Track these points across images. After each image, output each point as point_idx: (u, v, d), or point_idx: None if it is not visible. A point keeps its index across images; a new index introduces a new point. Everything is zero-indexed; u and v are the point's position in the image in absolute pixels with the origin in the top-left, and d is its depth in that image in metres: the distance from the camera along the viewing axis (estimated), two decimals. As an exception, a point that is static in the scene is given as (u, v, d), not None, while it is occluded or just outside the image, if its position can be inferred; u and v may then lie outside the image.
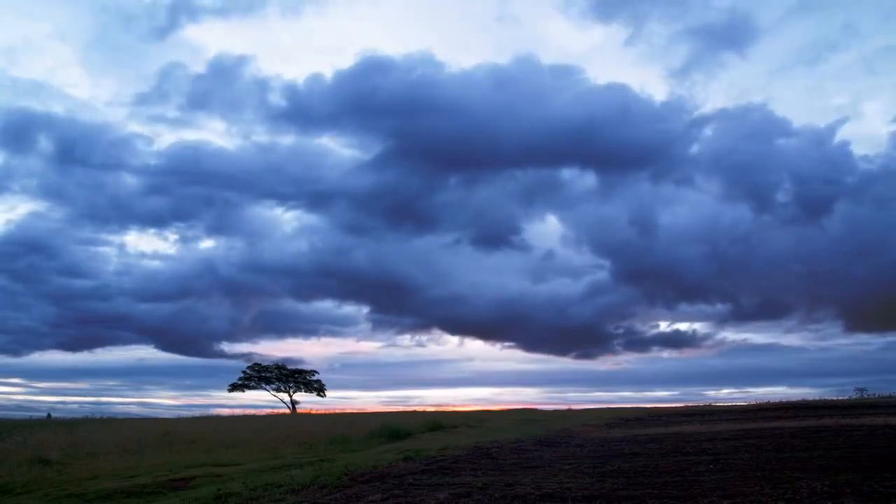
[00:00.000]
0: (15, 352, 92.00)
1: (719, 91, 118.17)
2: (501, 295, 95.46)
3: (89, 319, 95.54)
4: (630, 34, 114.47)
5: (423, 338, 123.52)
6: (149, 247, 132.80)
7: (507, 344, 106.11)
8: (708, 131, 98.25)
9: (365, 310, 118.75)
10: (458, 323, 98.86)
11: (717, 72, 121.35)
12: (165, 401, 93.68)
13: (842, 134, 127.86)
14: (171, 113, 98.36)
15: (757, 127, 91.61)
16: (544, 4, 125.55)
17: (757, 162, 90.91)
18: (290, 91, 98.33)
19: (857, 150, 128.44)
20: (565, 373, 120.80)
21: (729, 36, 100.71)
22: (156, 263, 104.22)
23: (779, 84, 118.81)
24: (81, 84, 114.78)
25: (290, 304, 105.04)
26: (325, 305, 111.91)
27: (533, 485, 9.31)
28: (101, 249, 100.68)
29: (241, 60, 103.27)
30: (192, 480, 11.85)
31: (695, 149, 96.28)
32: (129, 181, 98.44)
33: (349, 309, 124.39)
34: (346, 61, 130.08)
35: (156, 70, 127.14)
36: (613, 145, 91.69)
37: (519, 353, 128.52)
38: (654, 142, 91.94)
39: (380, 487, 9.66)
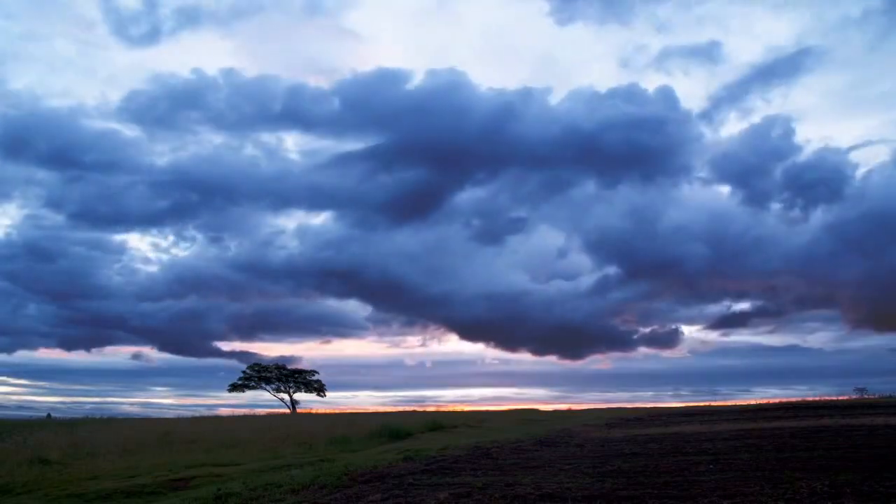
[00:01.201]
0: (15, 352, 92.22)
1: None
2: (504, 295, 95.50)
3: (89, 319, 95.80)
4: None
5: (424, 337, 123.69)
6: (149, 248, 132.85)
7: (506, 344, 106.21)
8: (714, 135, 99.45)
9: (366, 309, 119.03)
10: (459, 323, 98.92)
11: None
12: (165, 401, 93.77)
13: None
14: (170, 115, 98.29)
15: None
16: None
17: (761, 166, 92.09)
18: (292, 93, 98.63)
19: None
20: (567, 373, 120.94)
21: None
22: (156, 264, 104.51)
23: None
24: (81, 87, 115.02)
25: (291, 304, 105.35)
26: (326, 305, 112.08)
27: (533, 485, 9.30)
28: (101, 250, 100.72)
29: (244, 63, 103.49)
30: (192, 480, 11.85)
31: (698, 152, 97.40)
32: (129, 183, 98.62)
33: (350, 308, 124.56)
34: (355, 70, 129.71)
35: (157, 71, 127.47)
36: (618, 147, 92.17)
37: (521, 355, 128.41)
38: (659, 144, 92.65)
39: (380, 487, 9.66)
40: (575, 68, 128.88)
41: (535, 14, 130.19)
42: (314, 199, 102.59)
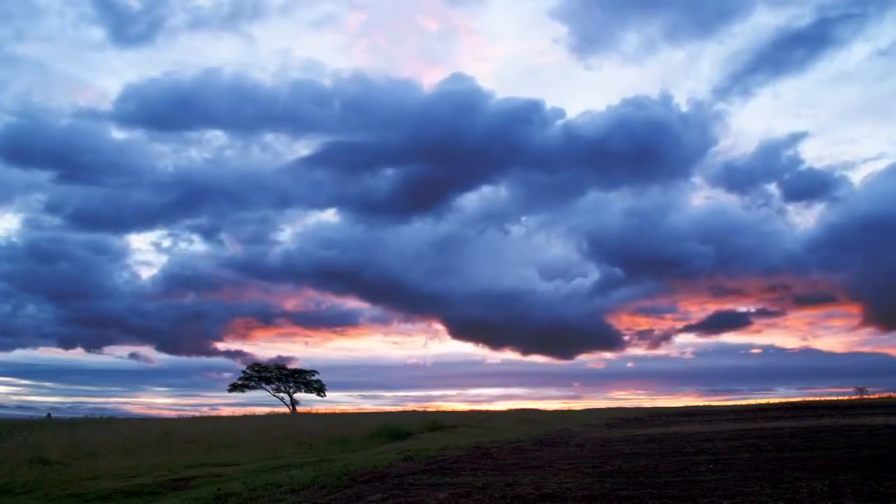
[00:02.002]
0: (15, 351, 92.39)
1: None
2: (506, 294, 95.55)
3: (89, 319, 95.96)
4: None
5: (425, 337, 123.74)
6: (149, 248, 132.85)
7: (507, 344, 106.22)
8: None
9: (366, 307, 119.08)
10: (460, 322, 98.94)
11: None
12: (165, 400, 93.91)
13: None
14: (170, 116, 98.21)
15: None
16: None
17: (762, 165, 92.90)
18: (294, 91, 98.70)
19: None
20: (571, 373, 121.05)
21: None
22: (155, 265, 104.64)
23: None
24: (81, 90, 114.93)
25: (291, 303, 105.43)
26: (328, 304, 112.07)
27: (533, 485, 9.31)
28: (101, 251, 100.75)
29: (241, 65, 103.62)
30: (192, 480, 11.86)
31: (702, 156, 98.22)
32: (130, 184, 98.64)
33: (351, 307, 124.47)
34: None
35: (163, 72, 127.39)
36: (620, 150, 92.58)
37: (518, 355, 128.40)
38: (661, 147, 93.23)
39: (380, 487, 9.66)
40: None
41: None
42: (314, 197, 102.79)
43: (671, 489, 8.50)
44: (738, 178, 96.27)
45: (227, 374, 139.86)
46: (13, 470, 13.63)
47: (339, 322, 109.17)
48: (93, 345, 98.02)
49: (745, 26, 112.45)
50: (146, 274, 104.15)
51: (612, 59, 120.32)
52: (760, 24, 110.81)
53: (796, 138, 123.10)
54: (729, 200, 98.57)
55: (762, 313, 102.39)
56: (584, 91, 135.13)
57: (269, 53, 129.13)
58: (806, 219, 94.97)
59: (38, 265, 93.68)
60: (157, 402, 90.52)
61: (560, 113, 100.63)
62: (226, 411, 50.19)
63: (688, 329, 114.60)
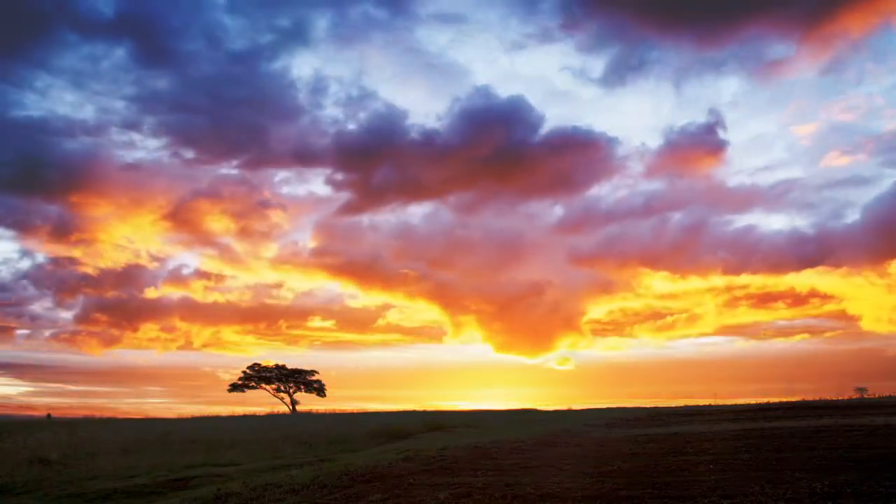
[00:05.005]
0: (16, 351, 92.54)
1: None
2: (506, 292, 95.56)
3: (90, 319, 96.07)
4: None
5: (425, 336, 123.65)
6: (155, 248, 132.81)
7: (505, 343, 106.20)
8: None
9: (361, 303, 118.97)
10: (459, 320, 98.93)
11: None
12: (165, 401, 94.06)
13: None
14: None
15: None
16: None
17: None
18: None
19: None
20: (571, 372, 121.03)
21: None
22: (157, 263, 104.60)
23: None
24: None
25: (292, 300, 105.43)
26: (326, 301, 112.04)
27: (533, 485, 9.31)
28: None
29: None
30: (192, 480, 11.87)
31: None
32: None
33: (349, 304, 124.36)
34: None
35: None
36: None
37: (520, 354, 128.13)
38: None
39: (380, 487, 9.67)
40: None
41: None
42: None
43: (671, 489, 8.50)
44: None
45: (226, 375, 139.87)
46: (13, 470, 13.64)
47: (340, 319, 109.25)
48: (95, 345, 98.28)
49: None
50: (149, 273, 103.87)
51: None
52: None
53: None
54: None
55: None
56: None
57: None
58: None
59: (40, 265, 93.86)
60: (157, 402, 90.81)
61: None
62: (226, 411, 50.20)
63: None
